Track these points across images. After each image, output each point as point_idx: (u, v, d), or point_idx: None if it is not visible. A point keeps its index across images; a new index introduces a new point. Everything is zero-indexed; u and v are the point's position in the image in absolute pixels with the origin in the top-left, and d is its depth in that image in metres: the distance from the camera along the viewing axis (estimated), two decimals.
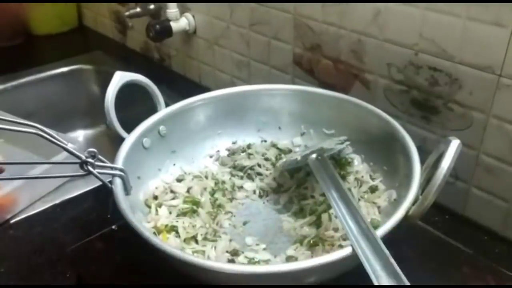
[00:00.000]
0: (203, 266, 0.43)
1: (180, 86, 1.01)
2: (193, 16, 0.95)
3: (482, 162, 0.60)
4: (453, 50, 0.58)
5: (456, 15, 0.56)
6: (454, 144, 0.48)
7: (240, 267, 0.48)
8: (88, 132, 1.12)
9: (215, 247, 0.54)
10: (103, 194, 0.50)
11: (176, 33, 0.95)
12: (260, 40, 0.83)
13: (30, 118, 0.82)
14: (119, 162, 0.54)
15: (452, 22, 0.57)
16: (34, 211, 0.68)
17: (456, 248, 0.59)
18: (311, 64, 0.77)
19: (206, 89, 0.81)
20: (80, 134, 1.12)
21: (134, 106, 0.73)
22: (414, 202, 0.48)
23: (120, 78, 0.59)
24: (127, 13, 1.01)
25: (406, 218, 0.47)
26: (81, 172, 0.46)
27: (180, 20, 0.95)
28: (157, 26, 0.93)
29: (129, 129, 0.60)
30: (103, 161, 0.48)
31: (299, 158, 0.59)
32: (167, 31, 0.94)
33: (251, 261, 0.53)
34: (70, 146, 0.44)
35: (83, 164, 0.46)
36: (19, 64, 1.09)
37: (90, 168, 0.46)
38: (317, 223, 0.56)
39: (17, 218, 0.67)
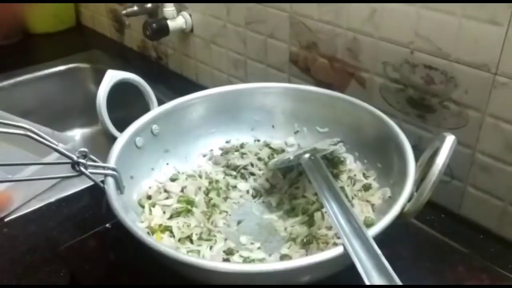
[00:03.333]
0: (198, 266, 0.43)
1: (177, 84, 1.01)
2: (190, 15, 0.95)
3: (478, 160, 0.60)
4: (448, 49, 0.58)
5: (451, 13, 0.56)
6: (449, 140, 0.47)
7: (235, 266, 0.48)
8: (85, 130, 1.12)
9: (211, 247, 0.54)
10: (98, 192, 0.50)
11: (173, 31, 0.95)
12: (256, 39, 0.83)
13: (27, 117, 0.83)
14: (111, 162, 0.53)
15: (448, 20, 0.56)
16: (28, 209, 0.68)
17: (451, 247, 0.58)
18: (307, 62, 0.76)
19: (203, 88, 0.80)
20: (77, 133, 1.12)
21: (128, 105, 0.72)
22: (409, 199, 0.48)
23: (111, 77, 0.59)
24: (124, 12, 1.01)
25: (401, 215, 0.47)
26: (73, 173, 0.46)
27: (177, 19, 0.95)
28: (154, 24, 0.93)
29: (123, 129, 0.59)
30: (95, 161, 0.47)
31: (291, 157, 0.59)
32: (164, 30, 0.94)
33: (246, 260, 0.52)
34: (61, 146, 0.44)
35: (74, 164, 0.45)
36: (16, 63, 1.08)
37: (82, 169, 0.45)
38: (310, 222, 0.56)
39: (12, 216, 0.66)
